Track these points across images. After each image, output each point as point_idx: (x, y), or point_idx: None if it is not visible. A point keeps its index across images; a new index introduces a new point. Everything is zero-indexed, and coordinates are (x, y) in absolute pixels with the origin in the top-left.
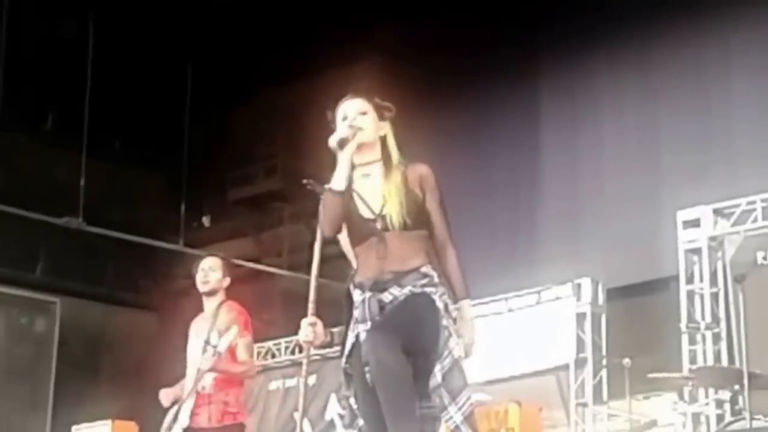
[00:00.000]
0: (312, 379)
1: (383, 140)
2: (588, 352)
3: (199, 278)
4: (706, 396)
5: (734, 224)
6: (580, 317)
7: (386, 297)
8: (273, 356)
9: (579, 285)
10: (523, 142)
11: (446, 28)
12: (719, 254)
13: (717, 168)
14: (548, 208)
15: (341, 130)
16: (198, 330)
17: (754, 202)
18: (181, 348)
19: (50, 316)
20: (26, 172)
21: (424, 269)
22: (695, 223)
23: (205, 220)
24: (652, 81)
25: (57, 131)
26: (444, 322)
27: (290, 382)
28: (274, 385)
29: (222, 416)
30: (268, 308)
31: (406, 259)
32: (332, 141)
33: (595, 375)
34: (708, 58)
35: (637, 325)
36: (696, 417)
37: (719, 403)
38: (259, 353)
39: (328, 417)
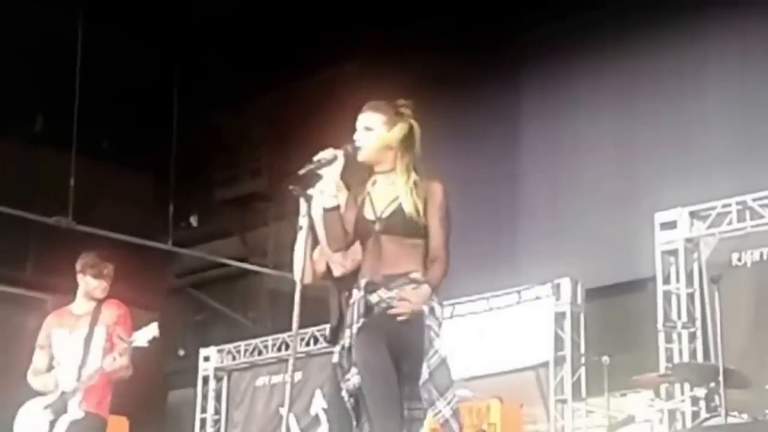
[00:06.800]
0: (298, 376)
1: (395, 148)
2: (567, 350)
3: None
4: (682, 393)
5: (710, 226)
6: (560, 316)
7: (374, 298)
8: (259, 353)
9: (558, 285)
10: (503, 143)
11: (429, 32)
12: (695, 255)
13: (693, 171)
14: (528, 210)
15: (323, 153)
16: (73, 325)
17: (729, 205)
18: (173, 345)
19: (42, 314)
20: (16, 171)
21: (413, 275)
22: (672, 225)
23: (193, 220)
24: (630, 85)
25: (46, 132)
26: (427, 322)
27: (276, 379)
28: (260, 382)
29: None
30: (254, 306)
31: (398, 263)
32: (305, 168)
33: (573, 372)
34: (685, 63)
35: (615, 324)
36: (672, 414)
37: (695, 400)
38: (246, 350)
39: (312, 412)
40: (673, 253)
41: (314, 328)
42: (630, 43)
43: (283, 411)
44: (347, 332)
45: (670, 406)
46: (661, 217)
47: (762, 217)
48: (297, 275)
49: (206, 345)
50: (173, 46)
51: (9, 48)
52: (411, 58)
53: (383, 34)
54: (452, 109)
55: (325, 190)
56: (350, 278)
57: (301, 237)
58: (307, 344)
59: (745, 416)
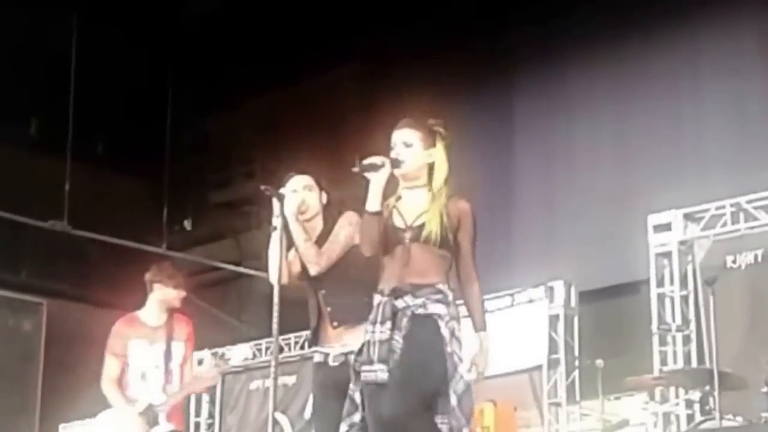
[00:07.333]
0: (292, 379)
1: (431, 166)
2: (561, 353)
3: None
4: (677, 396)
5: (704, 228)
6: (553, 319)
7: (399, 303)
8: (253, 357)
9: (552, 288)
10: (497, 146)
11: (422, 35)
12: (689, 258)
13: (687, 173)
14: (522, 213)
15: (372, 158)
16: (152, 337)
17: (723, 207)
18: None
19: (37, 317)
20: (12, 176)
21: (439, 286)
22: (666, 228)
23: (187, 224)
24: (625, 87)
25: (41, 136)
26: (449, 349)
27: (270, 382)
28: (254, 385)
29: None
30: (249, 309)
31: (426, 273)
32: (357, 166)
33: (567, 375)
34: (679, 65)
35: (609, 327)
36: (667, 417)
37: (689, 403)
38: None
39: (307, 416)
40: (667, 255)
41: (308, 332)
42: (624, 44)
43: (277, 415)
44: (371, 328)
45: (665, 410)
46: (654, 219)
47: (756, 219)
48: (273, 277)
49: (200, 348)
50: (167, 50)
51: (3, 52)
52: (404, 61)
53: (376, 37)
54: (445, 111)
55: (372, 194)
56: (326, 277)
57: (275, 238)
58: (302, 348)
59: (739, 419)
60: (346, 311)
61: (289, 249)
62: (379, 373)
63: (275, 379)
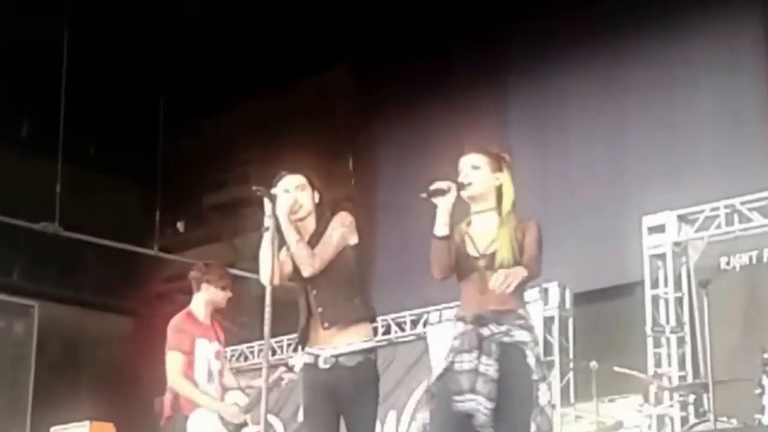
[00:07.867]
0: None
1: (498, 189)
2: (555, 355)
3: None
4: (671, 398)
5: (698, 230)
6: (548, 321)
7: (485, 332)
8: (246, 359)
9: (546, 289)
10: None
11: (414, 38)
12: (683, 259)
13: (681, 175)
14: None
15: (439, 183)
16: (207, 335)
17: (717, 209)
18: (158, 351)
19: (28, 320)
20: (3, 178)
21: (520, 311)
22: (660, 229)
23: (180, 226)
24: (620, 89)
25: (32, 137)
26: (535, 377)
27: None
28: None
29: None
30: (242, 312)
31: (505, 300)
32: (424, 192)
33: (562, 377)
34: (673, 66)
35: (604, 328)
36: (661, 419)
37: (684, 405)
38: (232, 356)
39: (300, 419)
40: (662, 257)
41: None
42: (619, 45)
43: (271, 418)
44: (453, 356)
45: (659, 412)
46: (649, 220)
47: (750, 220)
48: (264, 277)
49: None
50: (160, 51)
51: None
52: (399, 63)
53: (371, 39)
54: (438, 116)
55: (439, 218)
56: (317, 278)
57: (267, 238)
58: (295, 350)
59: (734, 421)
60: (338, 312)
61: (280, 249)
62: (468, 403)
63: (267, 381)
